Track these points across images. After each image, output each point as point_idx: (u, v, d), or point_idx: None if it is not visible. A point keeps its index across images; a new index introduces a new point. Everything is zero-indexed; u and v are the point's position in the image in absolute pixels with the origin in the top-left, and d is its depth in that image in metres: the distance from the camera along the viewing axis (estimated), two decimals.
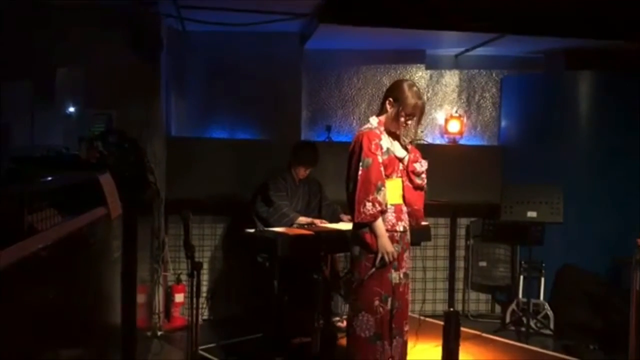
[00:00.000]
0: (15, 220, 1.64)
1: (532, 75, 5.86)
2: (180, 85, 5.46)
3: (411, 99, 3.25)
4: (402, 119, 3.28)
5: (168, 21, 4.96)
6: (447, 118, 5.89)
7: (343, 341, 4.21)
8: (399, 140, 3.42)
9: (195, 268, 3.06)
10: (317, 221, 4.54)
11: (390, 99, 3.31)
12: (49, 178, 2.21)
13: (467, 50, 5.76)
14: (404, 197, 3.41)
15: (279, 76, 5.50)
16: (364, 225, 3.27)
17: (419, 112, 3.29)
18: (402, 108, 3.25)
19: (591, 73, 5.30)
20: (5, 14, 4.06)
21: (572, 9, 4.75)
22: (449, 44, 5.65)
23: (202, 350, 4.19)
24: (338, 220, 4.64)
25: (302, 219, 4.50)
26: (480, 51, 5.69)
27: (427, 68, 5.88)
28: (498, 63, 5.98)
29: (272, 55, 5.44)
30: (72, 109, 4.44)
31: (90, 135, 3.91)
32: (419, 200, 3.47)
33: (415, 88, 3.31)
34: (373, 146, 3.27)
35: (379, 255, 3.23)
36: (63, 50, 4.34)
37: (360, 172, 3.25)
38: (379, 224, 3.24)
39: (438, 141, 5.92)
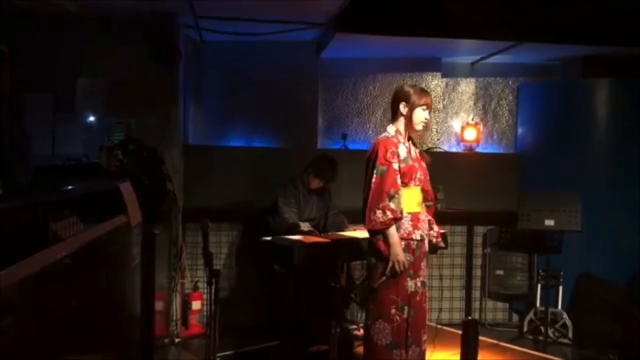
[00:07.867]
0: (41, 228, 1.67)
1: (549, 83, 5.82)
2: (197, 94, 5.52)
3: (419, 93, 3.37)
4: (420, 114, 3.33)
5: (186, 31, 5.03)
6: (463, 126, 5.88)
7: (359, 349, 4.21)
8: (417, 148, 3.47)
9: (213, 276, 3.08)
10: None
11: (402, 102, 3.36)
12: (72, 186, 2.25)
13: (483, 58, 5.75)
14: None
15: (296, 85, 5.53)
16: (379, 233, 3.27)
17: (430, 104, 3.40)
18: (415, 103, 3.32)
19: (608, 80, 5.26)
20: (28, 27, 4.15)
21: (589, 16, 4.74)
22: (465, 51, 5.64)
23: (220, 357, 4.21)
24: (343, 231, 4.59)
25: (303, 225, 4.47)
26: (496, 59, 5.68)
27: (443, 76, 5.87)
28: (514, 70, 5.96)
29: (288, 64, 5.48)
30: (92, 118, 4.49)
31: (110, 143, 3.97)
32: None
33: (416, 85, 3.56)
34: (389, 154, 3.29)
35: (390, 263, 3.23)
36: (83, 61, 4.43)
37: (374, 180, 3.27)
38: (392, 232, 3.24)
39: (454, 149, 5.91)
